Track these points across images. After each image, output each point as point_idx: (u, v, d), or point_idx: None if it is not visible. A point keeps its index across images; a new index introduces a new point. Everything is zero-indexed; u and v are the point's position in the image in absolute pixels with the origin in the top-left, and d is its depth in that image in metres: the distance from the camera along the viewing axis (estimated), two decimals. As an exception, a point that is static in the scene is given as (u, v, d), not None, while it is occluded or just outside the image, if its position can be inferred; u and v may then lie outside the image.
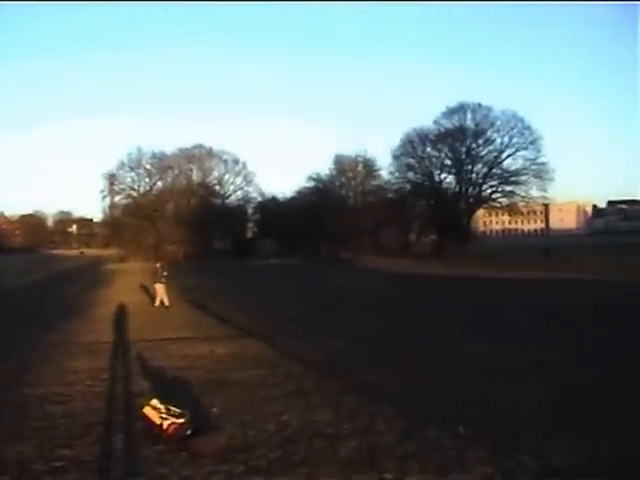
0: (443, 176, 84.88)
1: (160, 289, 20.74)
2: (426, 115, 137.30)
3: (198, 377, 11.20)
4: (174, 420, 7.67)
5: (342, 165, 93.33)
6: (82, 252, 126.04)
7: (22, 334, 17.38)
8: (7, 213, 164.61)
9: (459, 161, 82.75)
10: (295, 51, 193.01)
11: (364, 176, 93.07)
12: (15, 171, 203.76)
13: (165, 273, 22.83)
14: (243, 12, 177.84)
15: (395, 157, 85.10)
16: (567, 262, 47.22)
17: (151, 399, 8.36)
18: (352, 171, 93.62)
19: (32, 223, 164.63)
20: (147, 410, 8.01)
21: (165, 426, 7.61)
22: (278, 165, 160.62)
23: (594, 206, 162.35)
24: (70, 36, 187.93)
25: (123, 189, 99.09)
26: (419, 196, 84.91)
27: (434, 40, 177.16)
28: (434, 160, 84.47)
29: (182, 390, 10.13)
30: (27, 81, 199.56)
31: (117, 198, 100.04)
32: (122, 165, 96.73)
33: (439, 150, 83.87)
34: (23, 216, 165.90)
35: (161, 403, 8.12)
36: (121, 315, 20.31)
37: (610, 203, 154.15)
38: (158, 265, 23.12)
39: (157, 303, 20.04)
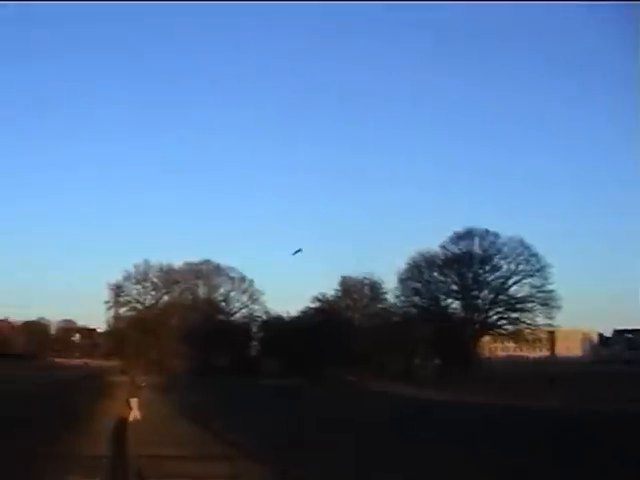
0: (449, 301, 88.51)
1: (134, 403, 16.50)
2: (433, 237, 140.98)
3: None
4: None
5: (348, 287, 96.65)
6: (86, 363, 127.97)
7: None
8: (11, 318, 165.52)
9: (466, 287, 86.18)
10: (302, 173, 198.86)
11: (370, 298, 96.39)
12: (20, 277, 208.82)
13: (143, 384, 21.92)
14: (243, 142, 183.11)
15: (401, 280, 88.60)
16: (570, 391, 47.80)
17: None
18: (358, 293, 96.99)
19: (35, 330, 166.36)
20: None
21: None
22: (283, 283, 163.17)
23: (600, 334, 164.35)
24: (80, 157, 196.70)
25: (129, 301, 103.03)
26: (424, 320, 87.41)
27: (438, 170, 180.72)
28: (440, 285, 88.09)
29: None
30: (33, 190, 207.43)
31: (122, 310, 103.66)
32: (128, 277, 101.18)
33: (445, 275, 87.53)
34: (26, 322, 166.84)
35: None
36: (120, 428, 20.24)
37: (616, 332, 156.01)
38: (132, 377, 19.68)
39: (131, 418, 15.91)
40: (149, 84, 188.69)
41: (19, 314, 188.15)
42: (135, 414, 13.62)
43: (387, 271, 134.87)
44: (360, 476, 14.31)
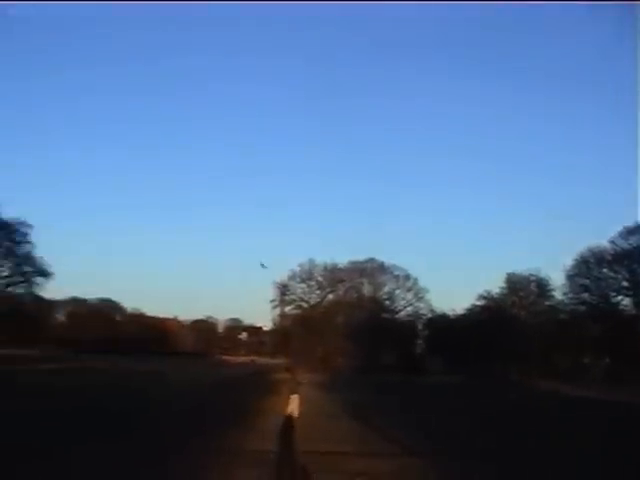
0: (619, 298, 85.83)
1: (294, 400, 15.97)
2: (601, 233, 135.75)
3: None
4: None
5: (513, 284, 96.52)
6: (253, 360, 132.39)
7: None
8: (181, 317, 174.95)
9: (637, 283, 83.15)
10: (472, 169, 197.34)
11: (536, 295, 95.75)
12: (188, 277, 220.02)
13: (304, 381, 21.94)
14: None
15: (569, 277, 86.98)
16: None
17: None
18: (524, 290, 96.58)
19: (204, 328, 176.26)
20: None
21: None
22: (449, 281, 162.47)
23: None
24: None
25: (294, 299, 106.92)
26: (594, 318, 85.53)
27: (606, 165, 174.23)
28: (610, 281, 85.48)
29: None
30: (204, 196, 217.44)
31: (287, 308, 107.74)
32: (294, 276, 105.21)
33: (616, 271, 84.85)
34: (195, 321, 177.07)
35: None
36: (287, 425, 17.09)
37: None
38: (292, 374, 20.02)
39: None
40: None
41: (188, 313, 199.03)
42: (293, 410, 13.95)
43: (554, 267, 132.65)
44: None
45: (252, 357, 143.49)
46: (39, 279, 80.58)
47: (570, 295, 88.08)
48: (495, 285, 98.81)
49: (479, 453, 17.22)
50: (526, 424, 27.53)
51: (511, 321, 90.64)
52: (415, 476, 13.68)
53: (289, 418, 13.49)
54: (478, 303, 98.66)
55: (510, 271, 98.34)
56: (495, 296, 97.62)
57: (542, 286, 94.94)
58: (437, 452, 16.99)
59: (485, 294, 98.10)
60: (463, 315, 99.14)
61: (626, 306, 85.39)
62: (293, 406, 13.97)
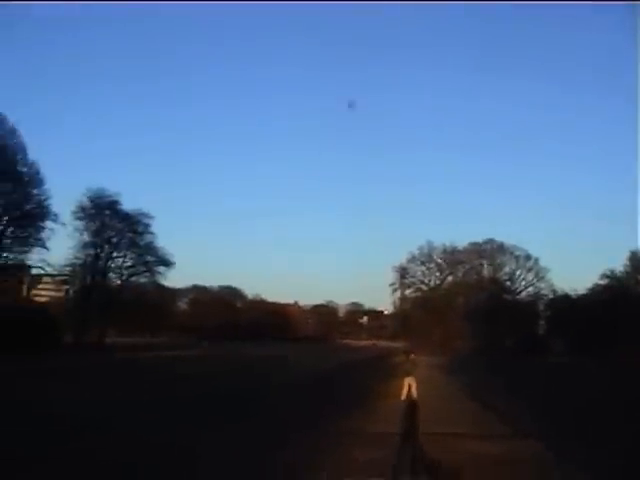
0: None
1: (410, 381, 14.95)
2: None
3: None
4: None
5: (638, 262, 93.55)
6: (374, 343, 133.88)
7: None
8: (301, 303, 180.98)
9: None
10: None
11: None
12: (309, 263, 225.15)
13: (421, 363, 20.76)
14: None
15: None
16: None
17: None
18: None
19: (324, 313, 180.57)
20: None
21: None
22: (570, 260, 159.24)
23: None
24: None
25: (413, 282, 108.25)
26: None
27: None
28: None
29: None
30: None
31: (407, 291, 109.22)
32: (413, 259, 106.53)
33: None
34: (316, 306, 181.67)
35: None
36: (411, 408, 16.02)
37: None
38: (407, 356, 21.72)
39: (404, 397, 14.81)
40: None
41: (308, 298, 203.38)
42: (410, 392, 13.72)
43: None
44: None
45: (373, 341, 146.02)
46: (161, 268, 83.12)
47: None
48: (619, 263, 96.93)
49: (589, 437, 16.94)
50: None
51: (636, 300, 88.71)
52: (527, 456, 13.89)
53: (413, 402, 13.51)
54: (601, 282, 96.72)
55: (634, 248, 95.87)
56: (619, 275, 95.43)
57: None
58: (546, 435, 16.75)
59: (608, 273, 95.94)
60: (585, 295, 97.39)
61: None
62: (408, 388, 13.91)
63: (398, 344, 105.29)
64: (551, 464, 13.20)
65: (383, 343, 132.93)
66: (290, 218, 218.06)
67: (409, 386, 13.86)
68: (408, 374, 14.36)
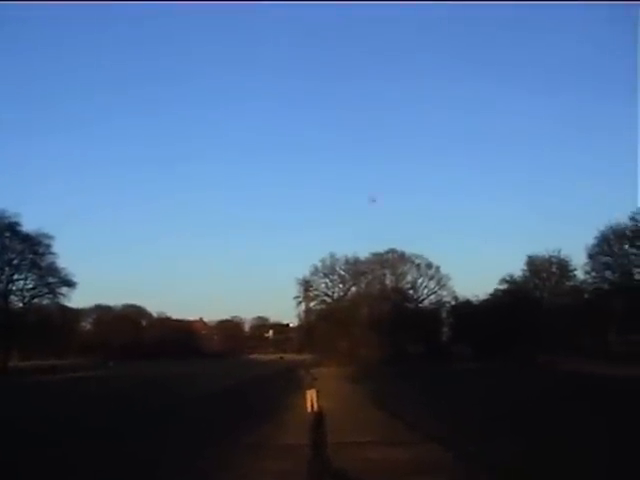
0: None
1: (311, 394, 16.82)
2: (622, 207, 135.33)
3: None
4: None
5: (535, 266, 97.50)
6: (281, 357, 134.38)
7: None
8: (206, 318, 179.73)
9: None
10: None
11: (558, 277, 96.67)
12: (213, 278, 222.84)
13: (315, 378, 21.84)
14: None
15: (590, 256, 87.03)
16: None
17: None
18: (546, 272, 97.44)
19: (230, 328, 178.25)
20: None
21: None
22: (470, 267, 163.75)
23: None
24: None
25: (317, 295, 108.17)
26: (617, 295, 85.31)
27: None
28: (633, 257, 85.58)
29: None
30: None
31: (312, 304, 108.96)
32: (316, 271, 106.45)
33: (638, 247, 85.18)
34: (221, 321, 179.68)
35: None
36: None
37: None
38: (306, 370, 22.71)
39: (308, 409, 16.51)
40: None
41: (213, 314, 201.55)
42: (312, 405, 14.64)
43: (574, 248, 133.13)
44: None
45: (280, 354, 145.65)
46: (64, 289, 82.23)
47: (593, 274, 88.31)
48: (517, 268, 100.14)
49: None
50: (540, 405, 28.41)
51: (535, 303, 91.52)
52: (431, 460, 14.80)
53: (319, 414, 14.29)
54: (501, 287, 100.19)
55: (530, 254, 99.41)
56: (517, 279, 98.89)
57: (563, 267, 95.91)
58: (450, 438, 17.84)
59: (507, 278, 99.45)
60: (486, 300, 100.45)
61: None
62: (310, 400, 15.02)
63: (305, 356, 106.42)
64: (450, 463, 14.32)
65: (290, 356, 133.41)
66: (193, 233, 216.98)
67: (311, 398, 14.96)
68: (310, 387, 15.58)
